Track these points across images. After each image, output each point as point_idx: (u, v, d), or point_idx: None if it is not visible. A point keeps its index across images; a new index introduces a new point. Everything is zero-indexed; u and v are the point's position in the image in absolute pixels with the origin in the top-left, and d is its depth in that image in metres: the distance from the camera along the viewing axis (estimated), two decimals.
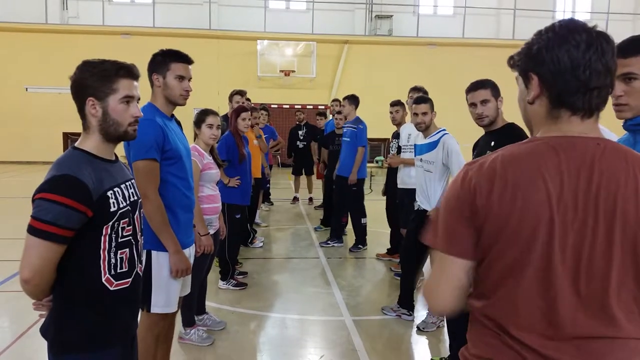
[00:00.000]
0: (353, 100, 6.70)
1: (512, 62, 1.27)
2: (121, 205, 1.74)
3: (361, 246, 6.62)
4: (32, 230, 1.56)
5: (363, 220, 6.60)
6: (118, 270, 1.75)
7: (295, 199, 10.19)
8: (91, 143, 1.74)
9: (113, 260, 1.73)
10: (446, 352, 3.56)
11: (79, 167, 1.63)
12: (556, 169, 1.12)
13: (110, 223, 1.70)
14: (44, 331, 1.72)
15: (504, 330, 1.16)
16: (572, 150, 1.13)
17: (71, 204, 1.57)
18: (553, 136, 1.17)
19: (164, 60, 2.62)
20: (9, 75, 17.64)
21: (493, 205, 1.13)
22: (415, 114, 4.11)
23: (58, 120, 17.31)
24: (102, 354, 1.74)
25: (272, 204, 9.81)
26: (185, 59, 2.66)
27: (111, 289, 1.73)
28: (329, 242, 6.86)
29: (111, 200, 1.70)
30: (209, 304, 4.25)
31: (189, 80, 2.68)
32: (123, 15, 18.34)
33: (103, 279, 1.71)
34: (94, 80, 1.71)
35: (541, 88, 1.19)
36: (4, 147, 17.71)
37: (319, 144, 8.76)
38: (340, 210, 6.77)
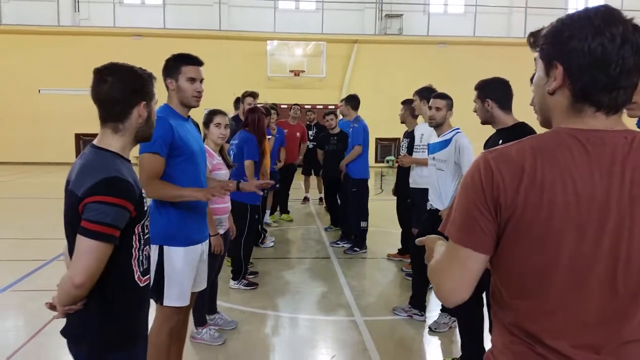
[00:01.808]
0: (350, 100, 6.69)
1: (533, 41, 1.18)
2: (149, 204, 1.84)
3: (357, 249, 6.45)
4: (91, 233, 1.57)
5: (362, 224, 6.40)
6: (144, 267, 1.82)
7: (306, 199, 10.20)
8: (119, 144, 1.77)
9: (141, 258, 1.80)
10: (458, 353, 3.54)
11: (119, 168, 1.68)
12: (587, 167, 1.06)
13: (142, 222, 1.76)
14: (77, 334, 1.73)
15: (535, 339, 1.11)
16: (602, 146, 1.07)
17: (125, 205, 1.62)
18: (580, 129, 1.10)
19: (175, 65, 2.72)
20: (22, 77, 17.85)
21: (518, 206, 1.07)
22: (430, 108, 4.11)
23: (70, 122, 17.50)
24: (137, 348, 1.83)
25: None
26: (196, 61, 2.75)
27: (141, 285, 1.80)
28: (338, 242, 6.79)
29: (144, 200, 1.78)
30: (221, 303, 4.27)
31: (201, 82, 2.76)
32: (134, 17, 18.48)
33: (135, 277, 1.77)
34: (150, 85, 1.81)
35: (565, 80, 1.10)
36: (18, 148, 17.92)
37: (316, 144, 8.72)
38: (352, 212, 6.51)
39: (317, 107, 16.20)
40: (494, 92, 3.16)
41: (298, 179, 10.36)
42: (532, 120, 2.68)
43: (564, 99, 1.13)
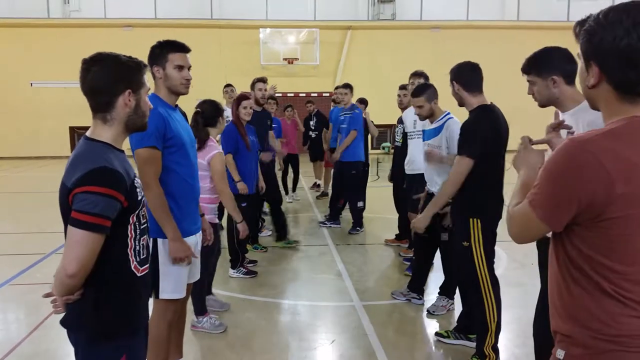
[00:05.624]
0: (347, 87, 7.12)
1: (578, 31, 1.29)
2: (142, 194, 1.82)
3: (359, 228, 6.87)
4: (80, 224, 1.57)
5: (359, 204, 6.86)
6: (141, 257, 1.82)
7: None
8: (110, 134, 1.76)
9: (137, 248, 1.79)
10: None
11: (109, 159, 1.67)
12: None
13: (136, 212, 1.76)
14: (75, 324, 1.74)
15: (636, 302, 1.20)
16: None
17: (114, 195, 1.62)
18: None
19: (161, 52, 2.64)
20: (14, 71, 17.71)
21: (630, 195, 1.15)
22: (414, 106, 4.20)
23: (64, 115, 17.41)
24: (134, 338, 1.82)
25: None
26: (183, 48, 2.67)
27: (138, 275, 1.80)
28: (326, 222, 7.21)
29: (137, 189, 1.76)
30: (220, 292, 4.30)
31: (189, 69, 2.69)
32: (125, 8, 18.31)
33: (132, 267, 1.77)
34: (132, 73, 1.77)
35: (601, 77, 1.21)
36: (13, 143, 17.84)
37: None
38: (338, 193, 7.14)
39: (312, 94, 16.14)
40: (461, 76, 3.25)
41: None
42: (532, 102, 2.68)
43: (607, 91, 1.23)
